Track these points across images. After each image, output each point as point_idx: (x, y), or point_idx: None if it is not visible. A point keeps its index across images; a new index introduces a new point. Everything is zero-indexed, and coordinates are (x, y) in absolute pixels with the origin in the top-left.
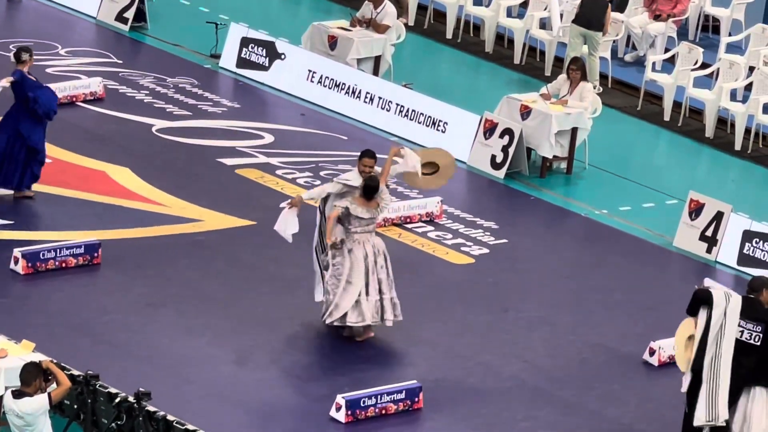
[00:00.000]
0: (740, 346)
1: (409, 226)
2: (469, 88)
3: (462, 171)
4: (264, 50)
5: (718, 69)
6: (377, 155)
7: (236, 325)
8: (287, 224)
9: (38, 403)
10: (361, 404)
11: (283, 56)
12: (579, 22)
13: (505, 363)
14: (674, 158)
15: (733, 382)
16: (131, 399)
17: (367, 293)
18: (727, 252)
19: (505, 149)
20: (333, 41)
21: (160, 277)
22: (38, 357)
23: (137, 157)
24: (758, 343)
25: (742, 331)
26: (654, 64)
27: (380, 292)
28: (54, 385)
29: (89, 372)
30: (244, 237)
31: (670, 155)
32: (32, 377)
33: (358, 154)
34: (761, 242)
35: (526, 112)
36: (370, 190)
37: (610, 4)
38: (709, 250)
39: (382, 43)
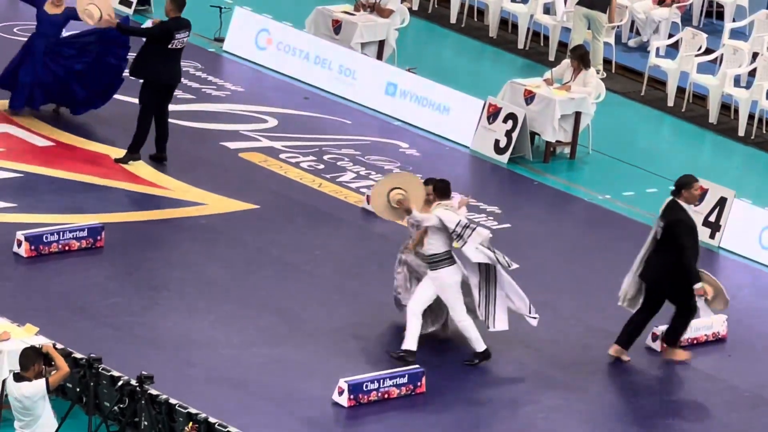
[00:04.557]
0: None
1: None
2: (472, 72)
3: (465, 155)
4: None
5: (722, 55)
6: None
7: (239, 309)
8: None
9: (36, 388)
10: (364, 388)
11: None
12: (583, 3)
13: (507, 347)
14: (678, 144)
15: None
16: (134, 382)
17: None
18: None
19: (508, 134)
20: (337, 25)
21: (162, 261)
22: (41, 340)
23: None
24: (659, 238)
25: (658, 230)
26: (658, 49)
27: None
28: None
29: (92, 355)
30: (247, 220)
31: (673, 141)
32: (30, 362)
33: (361, 137)
34: None
35: (529, 96)
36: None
37: None
38: (712, 236)
39: (386, 27)
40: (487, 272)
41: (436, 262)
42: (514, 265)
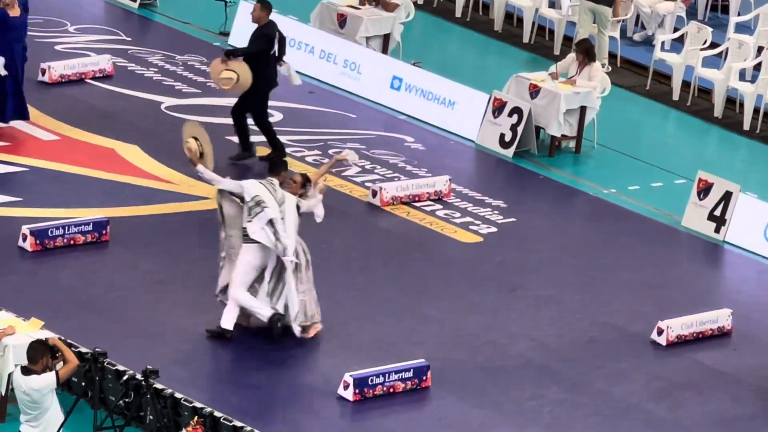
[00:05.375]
0: None
1: (417, 204)
2: (478, 66)
3: (470, 150)
4: None
5: (727, 49)
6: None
7: None
8: None
9: (45, 381)
10: (369, 383)
11: None
12: None
13: (512, 342)
14: (683, 138)
15: None
16: (139, 376)
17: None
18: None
19: (513, 128)
20: (342, 19)
21: (168, 255)
22: (46, 334)
23: (146, 135)
24: None
25: None
26: (663, 43)
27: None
28: (61, 363)
29: (97, 349)
30: None
31: (678, 135)
32: (39, 355)
33: (366, 131)
34: None
35: (534, 91)
36: None
37: None
38: (717, 230)
39: (391, 21)
40: (281, 266)
41: (245, 235)
42: (291, 257)
